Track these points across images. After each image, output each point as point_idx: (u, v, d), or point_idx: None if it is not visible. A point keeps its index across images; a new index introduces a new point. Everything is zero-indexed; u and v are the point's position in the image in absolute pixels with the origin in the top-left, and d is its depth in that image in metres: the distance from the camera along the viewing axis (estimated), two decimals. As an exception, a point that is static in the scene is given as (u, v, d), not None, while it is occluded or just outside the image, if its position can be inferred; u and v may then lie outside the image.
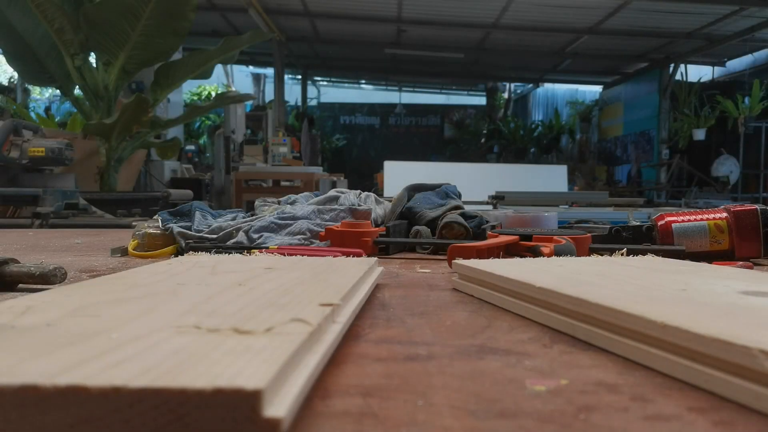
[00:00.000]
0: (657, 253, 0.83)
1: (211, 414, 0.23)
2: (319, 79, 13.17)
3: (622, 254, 0.81)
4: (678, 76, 8.80)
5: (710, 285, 0.48)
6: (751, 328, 0.33)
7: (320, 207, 1.14)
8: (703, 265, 0.63)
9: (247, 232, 1.04)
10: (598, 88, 11.52)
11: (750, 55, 8.15)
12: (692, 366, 0.33)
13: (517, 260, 0.71)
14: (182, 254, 1.01)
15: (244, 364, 0.26)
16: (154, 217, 1.11)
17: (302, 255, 0.79)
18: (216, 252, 0.99)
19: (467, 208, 1.20)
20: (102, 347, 0.28)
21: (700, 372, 0.32)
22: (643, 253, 0.79)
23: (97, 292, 0.45)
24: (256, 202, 1.29)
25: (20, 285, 0.67)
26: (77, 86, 3.99)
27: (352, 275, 0.55)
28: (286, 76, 9.79)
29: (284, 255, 0.82)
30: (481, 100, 13.76)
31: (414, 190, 1.26)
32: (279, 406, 0.24)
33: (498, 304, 0.57)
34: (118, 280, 0.51)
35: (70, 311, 0.37)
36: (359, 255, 0.85)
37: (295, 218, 1.09)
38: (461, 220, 1.09)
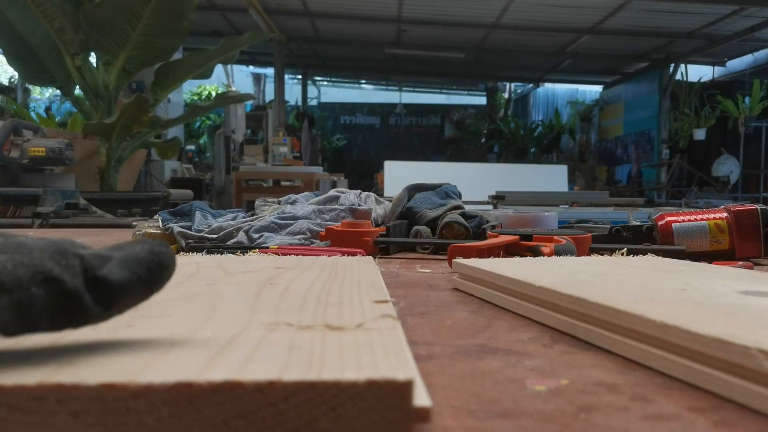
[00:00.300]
0: (657, 252, 0.83)
1: (364, 405, 0.23)
2: (319, 78, 13.17)
3: (622, 254, 0.81)
4: (678, 76, 8.80)
5: (710, 285, 0.48)
6: (750, 327, 0.33)
7: (320, 207, 1.14)
8: (704, 265, 0.63)
9: (247, 232, 1.04)
10: (599, 88, 11.52)
11: (750, 55, 8.15)
12: (692, 366, 0.33)
13: (517, 260, 0.71)
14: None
15: (372, 358, 0.26)
16: (155, 217, 1.11)
17: (302, 255, 0.79)
18: (209, 252, 0.99)
19: (467, 207, 1.20)
20: (214, 345, 0.28)
21: (699, 372, 0.32)
22: (644, 252, 0.79)
23: None
24: (257, 202, 1.29)
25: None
26: (77, 86, 3.99)
27: (370, 272, 0.55)
28: (286, 76, 9.80)
29: (279, 255, 0.82)
30: (481, 100, 13.76)
31: (414, 189, 1.26)
32: (421, 396, 0.24)
33: (498, 304, 0.57)
34: None
35: (131, 312, 0.36)
36: (360, 255, 0.85)
37: (295, 218, 1.09)
38: (461, 220, 1.09)
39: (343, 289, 0.45)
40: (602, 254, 0.85)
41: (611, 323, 0.40)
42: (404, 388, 0.23)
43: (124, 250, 0.28)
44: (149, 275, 0.28)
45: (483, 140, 12.55)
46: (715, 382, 0.31)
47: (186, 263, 0.64)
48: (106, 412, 0.23)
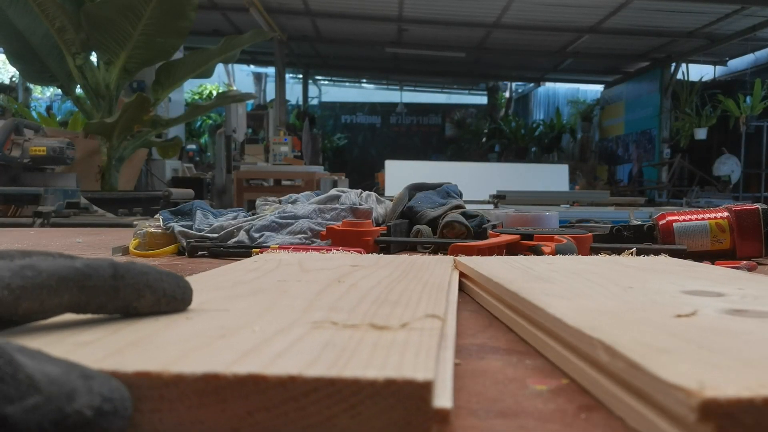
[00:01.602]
0: (658, 252, 0.83)
1: (383, 404, 0.23)
2: (320, 78, 13.16)
3: (630, 254, 0.80)
4: (679, 76, 8.80)
5: (662, 284, 0.47)
6: (629, 324, 0.33)
7: (321, 206, 1.14)
8: (695, 266, 0.61)
9: (248, 232, 1.04)
10: (600, 88, 11.52)
11: (751, 55, 8.14)
12: (565, 354, 0.35)
13: (503, 258, 0.71)
14: (184, 253, 1.01)
15: (400, 357, 0.26)
16: (155, 216, 1.11)
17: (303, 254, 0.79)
18: (210, 251, 0.99)
19: (468, 207, 1.20)
20: (254, 339, 0.29)
21: (567, 360, 0.34)
22: (656, 252, 0.78)
23: (206, 288, 0.45)
24: (257, 202, 1.29)
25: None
26: (78, 85, 3.99)
27: (442, 273, 0.56)
28: (287, 75, 9.79)
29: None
30: (482, 100, 13.75)
31: (415, 189, 1.26)
32: (443, 398, 0.24)
33: (473, 297, 0.59)
34: (219, 277, 0.52)
35: (195, 305, 0.38)
36: (360, 254, 0.85)
37: (296, 217, 1.09)
38: (462, 219, 1.08)
39: (406, 289, 0.46)
40: (609, 254, 0.84)
41: (514, 307, 0.43)
42: (423, 389, 0.23)
43: (61, 387, 0.21)
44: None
45: (484, 140, 12.54)
46: (577, 371, 0.33)
47: (270, 260, 0.66)
48: (141, 399, 0.24)
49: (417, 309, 0.38)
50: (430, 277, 0.53)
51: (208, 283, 0.48)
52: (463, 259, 0.67)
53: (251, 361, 0.25)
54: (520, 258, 0.70)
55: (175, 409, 0.24)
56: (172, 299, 0.35)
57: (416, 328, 0.32)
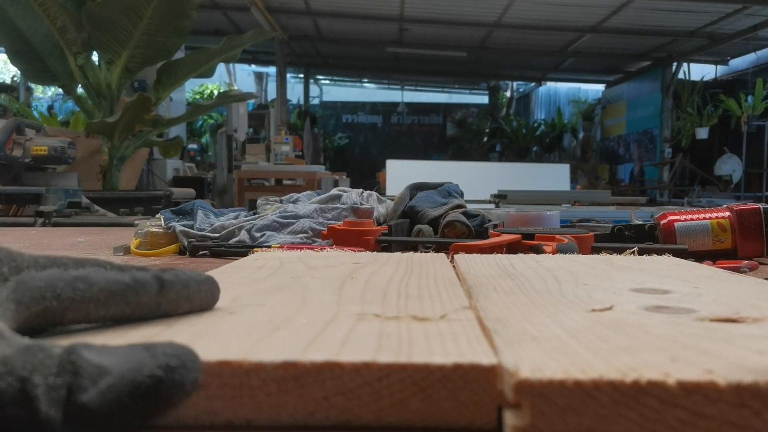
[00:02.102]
0: (661, 252, 0.82)
1: (451, 386, 0.25)
2: (321, 77, 13.16)
3: (631, 253, 0.80)
4: (681, 75, 8.79)
5: (620, 283, 0.47)
6: (535, 316, 0.34)
7: (322, 206, 1.14)
8: (681, 266, 0.60)
9: (249, 231, 1.04)
10: (601, 87, 11.51)
11: (753, 54, 8.13)
12: None
13: (494, 256, 0.71)
14: (185, 253, 1.01)
15: (455, 345, 0.28)
16: (157, 216, 1.11)
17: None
18: (211, 251, 0.99)
19: (469, 206, 1.20)
20: (310, 330, 0.30)
21: None
22: (658, 252, 0.78)
23: (228, 285, 0.45)
24: (259, 201, 1.29)
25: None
26: (80, 85, 3.99)
27: (444, 269, 0.57)
28: (288, 75, 9.78)
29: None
30: (483, 99, 13.75)
31: (416, 188, 1.26)
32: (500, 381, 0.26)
33: None
34: (230, 275, 0.53)
35: (229, 302, 0.39)
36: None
37: (297, 217, 1.09)
38: (463, 218, 1.08)
39: (420, 284, 0.47)
40: (610, 253, 0.84)
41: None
42: (489, 372, 0.25)
43: (128, 364, 0.22)
44: (134, 407, 0.22)
45: (485, 139, 12.53)
46: None
47: (270, 258, 0.66)
48: (223, 386, 0.25)
49: (443, 302, 0.39)
50: (437, 273, 0.54)
51: (224, 280, 0.49)
52: (457, 257, 0.67)
53: (320, 350, 0.26)
54: (511, 256, 0.70)
55: (255, 396, 0.25)
56: (206, 306, 0.36)
57: (455, 319, 0.33)
